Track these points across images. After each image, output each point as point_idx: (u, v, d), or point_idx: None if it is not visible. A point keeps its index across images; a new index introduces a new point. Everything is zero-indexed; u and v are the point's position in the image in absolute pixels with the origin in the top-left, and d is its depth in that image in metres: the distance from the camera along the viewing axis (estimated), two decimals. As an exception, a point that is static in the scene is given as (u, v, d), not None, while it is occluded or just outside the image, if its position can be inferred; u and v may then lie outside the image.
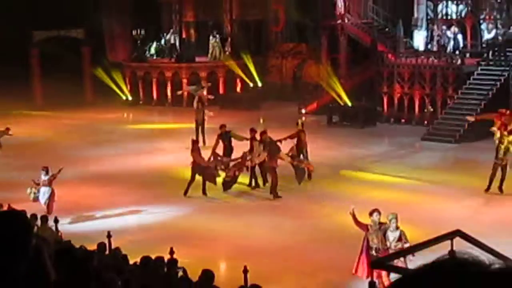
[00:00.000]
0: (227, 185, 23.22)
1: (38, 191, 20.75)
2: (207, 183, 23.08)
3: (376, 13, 38.22)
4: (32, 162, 28.46)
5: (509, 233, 17.62)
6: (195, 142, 24.39)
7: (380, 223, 14.75)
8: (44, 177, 20.64)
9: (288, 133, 24.69)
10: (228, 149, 24.70)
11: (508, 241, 15.94)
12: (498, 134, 22.83)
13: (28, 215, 11.49)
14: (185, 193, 22.79)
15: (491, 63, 32.41)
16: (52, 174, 20.84)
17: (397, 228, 14.36)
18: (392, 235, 14.37)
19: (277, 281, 14.72)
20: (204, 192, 22.98)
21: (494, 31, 33.68)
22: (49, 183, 20.51)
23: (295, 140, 24.42)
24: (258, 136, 23.86)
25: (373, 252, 14.39)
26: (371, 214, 14.86)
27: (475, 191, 22.76)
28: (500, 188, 22.34)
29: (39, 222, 16.03)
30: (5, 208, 15.10)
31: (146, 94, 41.28)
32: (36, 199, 20.51)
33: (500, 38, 33.05)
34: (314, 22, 40.15)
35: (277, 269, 16.24)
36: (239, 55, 41.18)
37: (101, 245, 14.50)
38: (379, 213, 14.75)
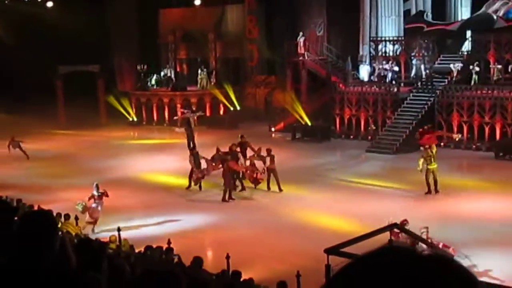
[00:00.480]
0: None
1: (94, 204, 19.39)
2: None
3: (330, 51, 38.34)
4: (58, 171, 28.44)
5: (436, 225, 17.68)
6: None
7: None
8: (95, 193, 19.55)
9: (260, 145, 24.69)
10: (244, 156, 24.67)
11: (435, 231, 16.02)
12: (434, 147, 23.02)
13: (54, 214, 11.46)
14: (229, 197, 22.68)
15: (420, 91, 32.59)
16: (103, 190, 19.73)
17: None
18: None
19: (252, 265, 14.71)
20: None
21: (422, 66, 33.85)
22: (100, 198, 19.46)
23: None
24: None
25: None
26: (401, 224, 14.04)
27: (408, 192, 22.89)
28: (435, 189, 22.45)
29: (63, 219, 15.97)
30: (35, 208, 15.02)
31: (148, 116, 41.17)
32: (83, 211, 19.10)
33: (427, 71, 33.16)
34: (281, 58, 40.22)
35: (252, 256, 16.22)
36: (222, 85, 41.19)
37: (112, 237, 14.48)
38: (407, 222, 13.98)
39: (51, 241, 3.37)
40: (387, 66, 34.81)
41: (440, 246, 13.61)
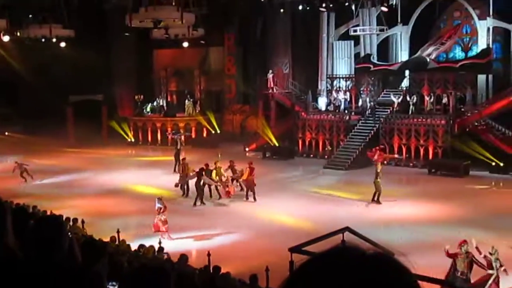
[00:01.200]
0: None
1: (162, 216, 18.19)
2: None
3: (294, 85, 38.52)
4: (66, 182, 28.16)
5: (382, 228, 17.78)
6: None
7: (467, 252, 13.04)
8: (159, 205, 18.46)
9: (236, 161, 24.66)
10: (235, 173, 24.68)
11: (381, 234, 16.08)
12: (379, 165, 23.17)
13: (64, 218, 11.30)
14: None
15: (367, 119, 32.79)
16: (163, 203, 18.60)
17: (497, 259, 12.76)
18: (495, 263, 12.75)
19: (230, 261, 14.59)
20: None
21: (369, 98, 34.09)
22: (163, 211, 18.28)
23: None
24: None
25: (459, 275, 13.00)
26: (460, 244, 13.23)
27: (358, 201, 22.96)
28: (377, 200, 22.54)
29: (71, 223, 15.76)
30: (48, 213, 14.82)
31: (143, 138, 40.88)
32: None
33: (371, 103, 33.34)
34: (254, 91, 40.36)
35: (229, 254, 16.12)
36: (205, 113, 41.18)
37: (112, 238, 14.31)
38: (467, 244, 13.25)
39: (61, 241, 3.34)
40: (340, 98, 35.05)
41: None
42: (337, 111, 34.54)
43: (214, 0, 33.67)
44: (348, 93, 35.23)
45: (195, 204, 22.59)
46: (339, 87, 35.93)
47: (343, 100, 34.83)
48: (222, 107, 43.28)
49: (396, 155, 29.53)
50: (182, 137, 32.89)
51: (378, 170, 22.73)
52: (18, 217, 4.07)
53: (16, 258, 3.26)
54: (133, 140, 40.99)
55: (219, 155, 25.49)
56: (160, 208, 18.23)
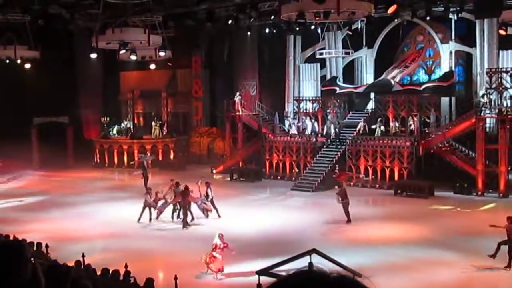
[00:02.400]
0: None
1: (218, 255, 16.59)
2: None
3: (261, 108, 38.60)
4: (30, 206, 27.66)
5: (349, 249, 17.83)
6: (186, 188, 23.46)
7: None
8: (218, 242, 16.65)
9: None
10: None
11: (348, 255, 16.13)
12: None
13: (27, 242, 11.06)
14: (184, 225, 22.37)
15: (334, 141, 32.97)
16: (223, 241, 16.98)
17: None
18: None
19: (197, 285, 14.45)
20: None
21: (335, 120, 34.34)
22: (222, 249, 16.47)
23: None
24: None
25: None
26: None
27: (325, 222, 23.02)
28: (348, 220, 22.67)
29: (35, 247, 15.43)
30: (11, 237, 14.51)
31: (109, 160, 40.49)
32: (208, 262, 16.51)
33: (336, 129, 33.33)
34: (221, 113, 40.35)
35: (196, 277, 15.98)
36: (172, 135, 41.07)
37: (77, 262, 14.05)
38: None
39: (23, 266, 3.27)
40: (307, 121, 35.25)
41: None
42: (304, 133, 34.63)
43: (181, 22, 33.74)
44: (314, 116, 35.47)
45: (184, 226, 22.33)
46: (306, 109, 36.18)
47: (310, 123, 34.99)
48: (189, 129, 43.17)
49: (352, 174, 29.96)
50: (150, 160, 32.75)
51: (341, 191, 23.06)
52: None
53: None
54: (99, 162, 40.55)
55: (199, 182, 25.03)
56: (217, 246, 16.43)
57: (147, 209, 23.38)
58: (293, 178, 32.67)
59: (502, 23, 26.14)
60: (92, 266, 13.80)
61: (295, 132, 35.08)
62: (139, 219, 23.37)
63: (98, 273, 13.21)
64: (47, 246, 16.41)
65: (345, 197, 22.79)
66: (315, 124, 35.00)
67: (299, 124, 35.45)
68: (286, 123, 36.29)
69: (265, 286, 1.39)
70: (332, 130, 33.02)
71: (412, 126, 31.17)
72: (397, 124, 31.87)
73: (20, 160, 38.01)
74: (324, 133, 33.41)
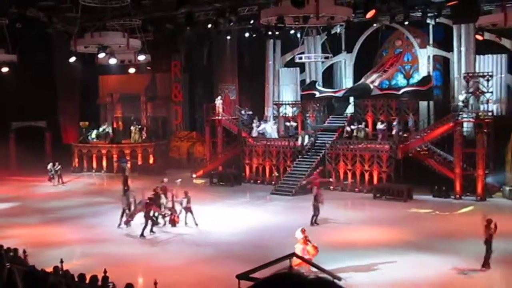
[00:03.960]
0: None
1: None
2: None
3: (243, 111, 38.59)
4: (8, 211, 27.37)
5: (329, 251, 17.86)
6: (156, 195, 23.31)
7: None
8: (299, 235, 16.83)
9: (183, 188, 24.38)
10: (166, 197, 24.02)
11: (327, 257, 16.17)
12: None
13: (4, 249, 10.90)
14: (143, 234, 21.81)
15: (309, 150, 32.89)
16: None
17: None
18: None
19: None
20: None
21: (314, 124, 34.46)
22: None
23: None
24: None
25: None
26: None
27: (304, 226, 23.01)
28: (315, 222, 22.74)
29: (12, 253, 15.23)
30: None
31: (88, 165, 40.20)
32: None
33: (311, 139, 33.26)
34: (201, 117, 40.30)
35: (175, 282, 15.91)
36: (151, 139, 40.94)
37: (55, 268, 13.89)
38: None
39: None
40: (287, 124, 35.33)
41: None
42: (284, 137, 34.71)
43: (160, 26, 33.70)
44: (294, 119, 35.52)
45: (142, 234, 22.00)
46: (286, 113, 36.25)
47: (289, 126, 35.06)
48: (169, 134, 43.07)
49: (330, 179, 30.15)
50: (128, 164, 32.62)
51: (315, 194, 23.18)
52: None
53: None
54: (77, 167, 40.22)
55: (178, 182, 25.01)
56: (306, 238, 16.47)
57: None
58: (273, 182, 32.71)
59: (479, 28, 26.42)
60: (70, 272, 13.66)
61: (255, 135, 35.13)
62: (119, 225, 23.20)
63: (76, 279, 13.08)
64: (24, 251, 16.18)
65: (316, 201, 23.06)
66: (295, 128, 35.02)
67: (258, 128, 35.46)
68: (266, 126, 36.22)
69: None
70: (307, 140, 33.05)
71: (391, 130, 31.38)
72: (382, 126, 31.68)
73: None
74: (299, 143, 33.20)
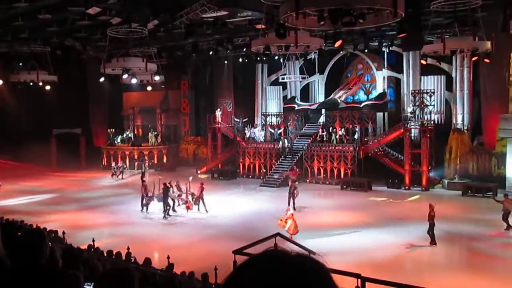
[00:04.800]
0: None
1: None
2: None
3: (239, 121, 38.48)
4: (49, 200, 27.17)
5: (306, 232, 17.85)
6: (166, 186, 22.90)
7: None
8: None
9: (192, 182, 24.34)
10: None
11: (305, 237, 16.14)
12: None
13: (47, 230, 10.77)
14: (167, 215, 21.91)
15: (288, 153, 32.85)
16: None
17: None
18: None
19: (185, 263, 14.34)
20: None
21: (294, 130, 34.54)
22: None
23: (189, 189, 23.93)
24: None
25: None
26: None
27: (284, 209, 23.01)
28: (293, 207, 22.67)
29: (53, 234, 15.14)
30: (34, 226, 14.20)
31: (115, 163, 39.92)
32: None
33: (289, 145, 33.21)
34: (204, 125, 40.12)
35: (185, 256, 15.85)
36: (165, 143, 40.76)
37: (89, 246, 13.84)
38: None
39: (44, 249, 3.21)
40: (273, 131, 35.35)
41: None
42: (270, 141, 34.67)
43: (172, 53, 33.87)
44: (278, 127, 35.56)
45: (165, 217, 21.95)
46: (271, 122, 36.31)
47: (275, 132, 35.10)
48: (179, 138, 42.98)
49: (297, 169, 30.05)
50: (146, 163, 32.46)
51: (290, 185, 23.68)
52: (7, 230, 3.89)
53: (5, 266, 3.12)
54: (106, 165, 40.00)
55: (190, 178, 24.97)
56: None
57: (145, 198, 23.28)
58: (261, 177, 32.67)
59: (423, 55, 26.51)
60: (100, 249, 13.59)
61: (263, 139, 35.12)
62: (141, 209, 23.16)
63: (106, 254, 13.01)
64: (63, 233, 16.11)
65: (292, 187, 23.25)
66: (279, 134, 35.03)
67: (248, 133, 35.32)
68: (256, 132, 36.25)
69: (239, 263, 1.39)
70: (286, 144, 33.04)
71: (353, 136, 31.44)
72: (343, 133, 31.88)
73: (41, 163, 37.53)
74: (280, 146, 33.20)
